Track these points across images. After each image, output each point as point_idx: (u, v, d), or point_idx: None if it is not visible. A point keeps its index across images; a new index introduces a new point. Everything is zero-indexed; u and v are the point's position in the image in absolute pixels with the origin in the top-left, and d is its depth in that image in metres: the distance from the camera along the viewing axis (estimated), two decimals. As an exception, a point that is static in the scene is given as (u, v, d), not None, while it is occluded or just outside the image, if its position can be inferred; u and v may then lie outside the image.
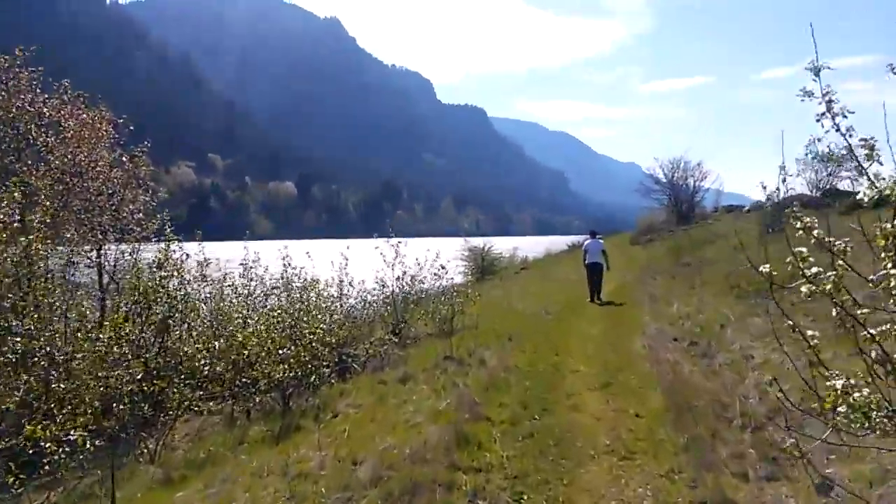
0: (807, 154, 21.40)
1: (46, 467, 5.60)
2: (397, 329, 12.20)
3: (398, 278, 12.59)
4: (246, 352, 8.56)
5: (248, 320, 9.96)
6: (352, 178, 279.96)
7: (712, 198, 41.77)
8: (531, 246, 54.10)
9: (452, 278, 15.21)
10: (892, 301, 2.34)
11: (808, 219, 2.69)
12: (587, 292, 15.53)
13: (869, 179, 2.38)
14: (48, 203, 9.66)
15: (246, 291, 11.61)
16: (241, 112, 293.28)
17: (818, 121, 2.45)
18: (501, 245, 42.95)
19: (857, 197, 2.42)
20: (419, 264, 12.83)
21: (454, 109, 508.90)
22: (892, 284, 2.29)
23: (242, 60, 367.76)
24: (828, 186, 20.82)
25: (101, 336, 7.32)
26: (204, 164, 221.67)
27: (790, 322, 2.74)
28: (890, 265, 2.31)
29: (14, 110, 10.94)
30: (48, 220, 9.34)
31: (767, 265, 2.86)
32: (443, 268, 12.87)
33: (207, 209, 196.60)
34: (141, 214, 12.63)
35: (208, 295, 11.16)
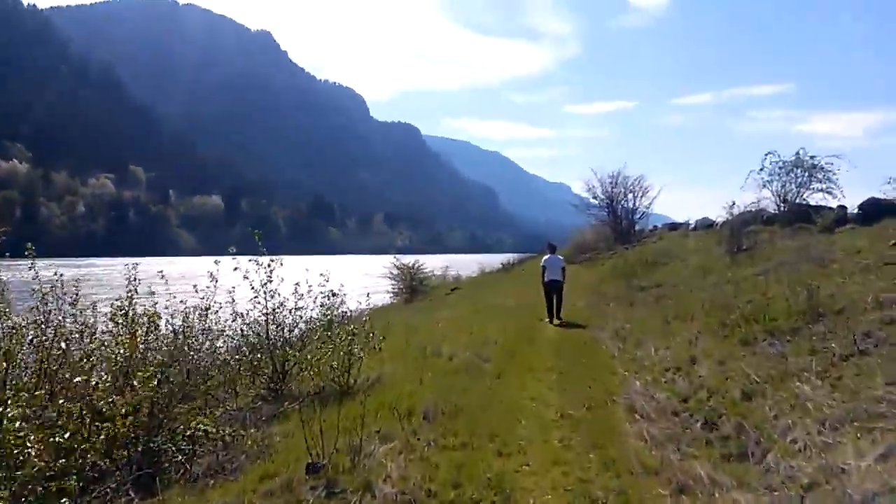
0: (764, 167, 19.30)
1: None
2: (273, 384, 9.07)
3: (268, 313, 9.22)
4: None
5: None
6: (282, 193, 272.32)
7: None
8: (463, 263, 51.92)
9: (355, 305, 12.25)
10: None
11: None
12: (531, 325, 13.35)
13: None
14: None
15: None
16: (167, 124, 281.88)
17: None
18: (434, 262, 40.58)
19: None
20: (297, 292, 9.48)
21: (387, 126, 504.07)
22: None
23: (170, 72, 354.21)
24: (796, 200, 18.80)
25: None
26: (126, 177, 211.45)
27: None
28: None
29: None
30: None
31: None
32: (333, 294, 9.62)
33: (127, 223, 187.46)
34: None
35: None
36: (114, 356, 7.20)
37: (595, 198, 38.52)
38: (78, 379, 5.14)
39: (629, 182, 37.64)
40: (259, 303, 9.21)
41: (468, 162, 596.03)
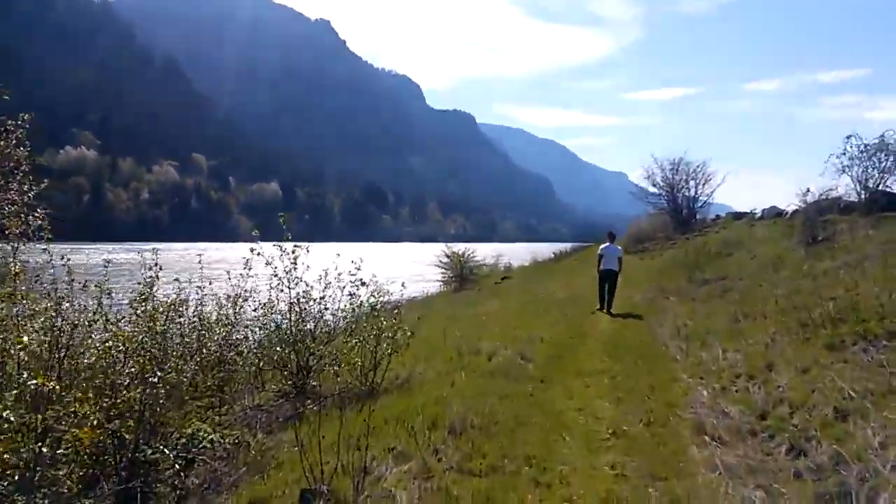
0: (845, 150, 17.55)
1: None
2: (299, 381, 8.25)
3: (291, 303, 8.34)
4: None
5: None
6: (338, 181, 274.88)
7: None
8: (516, 252, 50.99)
9: (401, 294, 11.42)
10: None
11: None
12: (582, 320, 12.34)
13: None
14: None
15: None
16: (228, 113, 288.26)
17: None
18: (485, 251, 39.76)
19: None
20: (324, 280, 8.53)
21: (443, 114, 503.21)
22: None
23: (230, 61, 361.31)
24: (879, 187, 17.07)
25: None
26: (188, 164, 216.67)
27: None
28: None
29: None
30: None
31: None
32: (363, 283, 8.64)
33: (189, 209, 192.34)
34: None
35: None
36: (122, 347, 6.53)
37: (655, 185, 36.75)
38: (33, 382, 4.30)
39: (691, 169, 35.71)
40: (283, 292, 8.40)
41: (524, 150, 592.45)
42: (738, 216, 34.48)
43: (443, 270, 33.76)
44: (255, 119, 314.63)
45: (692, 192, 36.26)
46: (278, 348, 8.31)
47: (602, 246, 15.53)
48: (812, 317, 8.72)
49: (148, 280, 7.88)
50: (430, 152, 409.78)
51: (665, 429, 5.55)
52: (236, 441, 5.93)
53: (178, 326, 7.68)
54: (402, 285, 12.48)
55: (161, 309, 7.26)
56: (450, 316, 16.97)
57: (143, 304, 7.30)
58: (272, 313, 8.59)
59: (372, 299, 8.64)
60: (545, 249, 47.79)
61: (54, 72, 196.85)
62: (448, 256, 33.29)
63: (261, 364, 8.35)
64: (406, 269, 62.41)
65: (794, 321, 8.89)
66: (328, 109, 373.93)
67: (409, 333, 7.89)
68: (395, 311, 8.37)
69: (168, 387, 5.64)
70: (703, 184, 35.66)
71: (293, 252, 8.18)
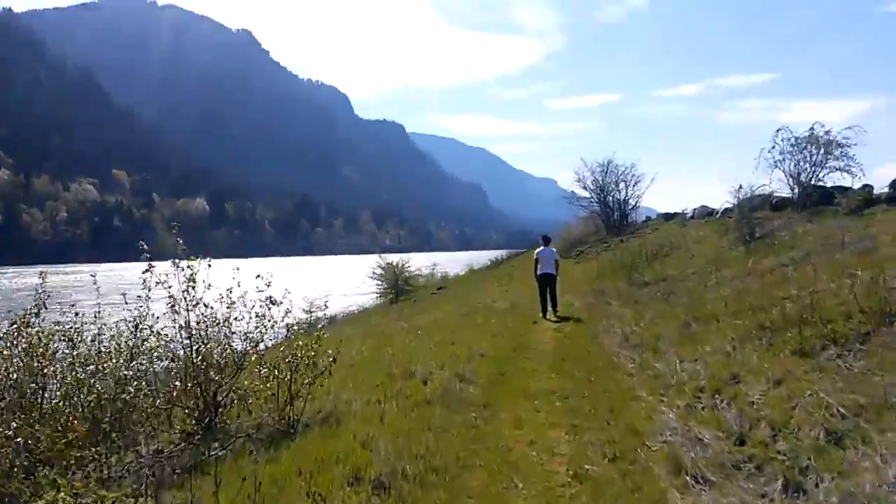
0: (776, 144, 17.37)
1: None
2: (206, 419, 7.04)
3: (188, 328, 7.12)
4: None
5: None
6: (267, 194, 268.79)
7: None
8: (452, 261, 50.52)
9: (336, 309, 10.37)
10: None
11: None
12: (524, 331, 11.56)
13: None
14: None
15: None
16: (149, 127, 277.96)
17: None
18: (422, 261, 39.14)
19: None
20: (226, 299, 7.36)
21: (372, 124, 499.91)
22: None
23: (150, 74, 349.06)
24: (811, 181, 16.89)
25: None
26: (109, 182, 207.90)
27: None
28: None
29: None
30: None
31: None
32: (272, 302, 7.50)
33: (111, 228, 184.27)
34: None
35: None
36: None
37: (585, 188, 36.68)
38: None
39: (620, 171, 35.83)
40: (179, 314, 7.21)
41: (455, 159, 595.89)
42: (669, 217, 34.66)
43: (378, 282, 32.74)
44: (179, 133, 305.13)
45: (622, 195, 36.42)
46: (177, 382, 7.09)
47: (537, 250, 15.24)
48: (770, 319, 8.09)
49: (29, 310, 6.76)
50: (361, 163, 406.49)
51: (635, 466, 4.65)
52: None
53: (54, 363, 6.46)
54: (325, 304, 11.38)
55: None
56: (383, 331, 15.92)
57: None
58: (167, 341, 7.36)
59: (287, 320, 7.50)
60: (481, 257, 47.40)
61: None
62: (382, 268, 32.28)
63: (156, 402, 7.08)
64: (342, 282, 61.03)
65: (752, 324, 8.24)
66: (254, 121, 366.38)
67: (330, 360, 6.79)
68: (315, 333, 7.24)
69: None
70: (633, 185, 35.87)
71: (188, 268, 7.03)
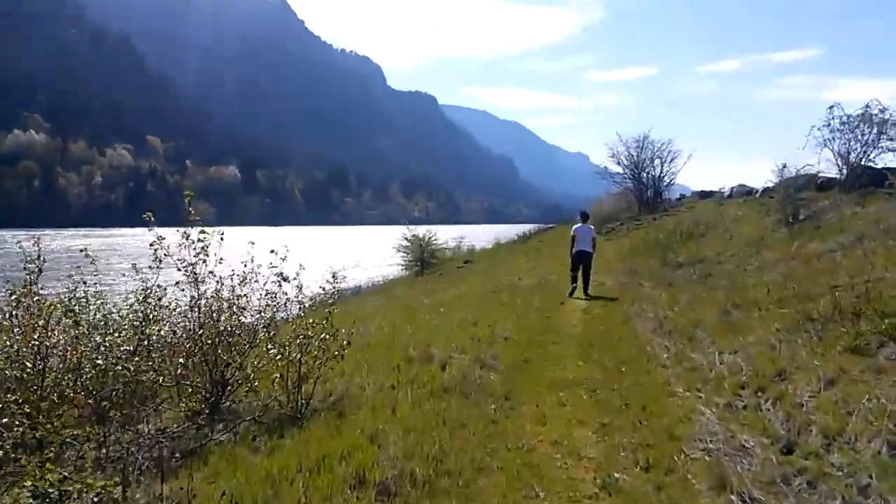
0: (828, 122, 16.44)
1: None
2: (213, 399, 6.72)
3: (197, 304, 6.82)
4: None
5: None
6: (298, 163, 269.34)
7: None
8: (479, 234, 50.02)
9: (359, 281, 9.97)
10: None
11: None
12: (551, 313, 11.08)
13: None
14: None
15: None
16: (184, 95, 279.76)
17: None
18: (449, 233, 38.67)
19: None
20: (240, 273, 6.97)
21: (404, 96, 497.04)
22: None
23: (186, 42, 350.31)
24: (861, 162, 15.99)
25: None
26: (143, 148, 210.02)
27: None
28: None
29: None
30: None
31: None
32: (284, 278, 7.08)
33: (145, 193, 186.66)
34: None
35: None
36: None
37: (619, 164, 35.71)
38: None
39: (656, 147, 34.76)
40: (188, 288, 6.86)
41: (486, 131, 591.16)
42: (705, 195, 33.67)
43: (404, 254, 32.38)
44: (213, 101, 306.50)
45: (657, 171, 35.41)
46: (181, 360, 6.74)
47: (574, 226, 14.82)
48: (819, 309, 7.47)
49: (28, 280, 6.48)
50: (392, 134, 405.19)
51: (671, 477, 4.15)
52: (98, 497, 4.39)
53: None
54: (343, 277, 10.98)
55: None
56: (406, 305, 15.52)
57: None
58: (176, 315, 7.03)
59: (302, 296, 7.10)
60: (509, 231, 46.76)
61: (1, 53, 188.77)
62: (409, 240, 31.87)
63: (161, 379, 6.73)
64: (370, 252, 60.83)
65: (798, 314, 7.63)
66: (287, 91, 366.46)
67: (344, 342, 6.36)
68: (328, 310, 6.79)
69: None
70: (669, 162, 34.83)
71: (198, 240, 6.64)
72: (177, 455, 6.00)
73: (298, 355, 6.11)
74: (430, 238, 32.03)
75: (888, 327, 6.17)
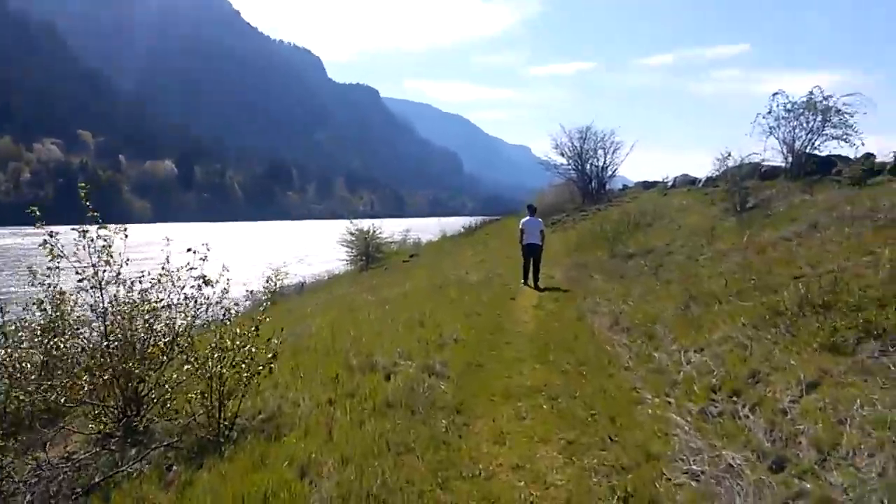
0: (772, 110, 16.35)
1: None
2: (126, 416, 5.80)
3: (99, 307, 5.89)
4: None
5: None
6: (238, 158, 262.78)
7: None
8: (425, 227, 49.43)
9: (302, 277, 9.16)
10: None
11: None
12: (501, 310, 10.52)
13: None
14: None
15: None
16: (116, 87, 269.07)
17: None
18: (395, 227, 37.94)
19: None
20: (155, 276, 6.13)
21: (346, 88, 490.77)
22: None
23: (117, 33, 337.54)
24: (806, 149, 15.93)
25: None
26: (74, 143, 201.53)
27: None
28: None
29: None
30: None
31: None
32: (206, 282, 6.25)
33: (76, 190, 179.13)
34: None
35: None
36: None
37: (563, 154, 35.46)
38: None
39: (598, 138, 34.65)
40: (90, 293, 5.98)
41: (429, 125, 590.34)
42: (648, 185, 33.76)
43: (348, 249, 31.46)
44: (147, 94, 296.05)
45: (601, 162, 35.31)
46: (87, 376, 5.84)
47: (523, 220, 14.97)
48: (784, 302, 7.06)
49: None
50: (334, 127, 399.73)
51: (657, 509, 3.57)
52: None
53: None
54: (279, 274, 10.22)
55: None
56: (349, 303, 14.74)
57: None
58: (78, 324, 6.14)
59: (227, 300, 6.28)
60: (455, 223, 46.22)
61: None
62: (353, 234, 30.97)
63: (63, 401, 5.81)
64: (314, 247, 59.42)
65: (763, 307, 7.20)
66: (225, 83, 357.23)
67: (270, 355, 5.54)
68: (258, 316, 5.97)
69: None
70: (612, 153, 34.74)
71: (99, 239, 5.77)
72: (77, 491, 5.15)
73: (218, 369, 5.30)
74: (374, 232, 31.20)
75: (862, 322, 5.76)
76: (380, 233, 31.58)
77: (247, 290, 11.35)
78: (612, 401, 5.48)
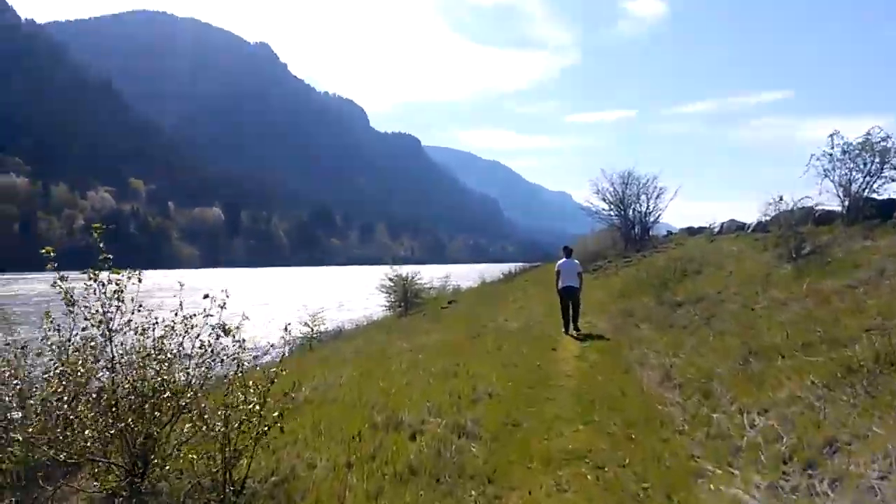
0: (826, 152, 15.53)
1: None
2: (132, 474, 5.33)
3: (106, 358, 5.46)
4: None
5: None
6: (283, 204, 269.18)
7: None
8: (465, 273, 49.10)
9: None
10: None
11: None
12: (540, 362, 9.83)
13: None
14: None
15: None
16: (167, 137, 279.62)
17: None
18: (434, 272, 37.69)
19: None
20: (149, 327, 5.68)
21: (388, 137, 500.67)
22: None
23: (169, 85, 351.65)
24: (863, 192, 15.04)
25: None
26: (125, 190, 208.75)
27: None
28: None
29: None
30: None
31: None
32: (225, 331, 5.72)
33: (128, 236, 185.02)
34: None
35: None
36: None
37: (604, 200, 34.75)
38: None
39: (641, 183, 33.87)
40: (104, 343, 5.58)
41: (469, 172, 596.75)
42: (694, 231, 32.73)
43: (387, 294, 31.19)
44: (196, 143, 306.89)
45: (644, 207, 34.45)
46: (93, 430, 5.40)
47: (559, 262, 14.34)
48: (858, 358, 6.30)
49: None
50: (376, 174, 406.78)
51: None
52: None
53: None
54: (316, 319, 9.78)
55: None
56: (383, 351, 14.22)
57: None
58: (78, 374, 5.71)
59: (240, 350, 5.79)
60: (494, 269, 45.69)
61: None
62: (392, 280, 30.72)
63: (62, 457, 5.37)
64: (354, 293, 59.42)
65: (833, 363, 6.44)
66: (271, 133, 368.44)
67: (276, 414, 4.99)
68: (274, 370, 5.47)
69: None
70: (655, 198, 33.86)
71: (110, 283, 5.39)
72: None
73: (223, 429, 4.81)
74: (413, 278, 30.90)
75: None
76: (419, 278, 31.29)
77: (284, 335, 11.06)
78: (667, 472, 4.80)
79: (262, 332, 13.10)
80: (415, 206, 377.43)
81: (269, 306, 53.78)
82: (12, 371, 6.27)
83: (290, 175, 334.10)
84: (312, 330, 24.08)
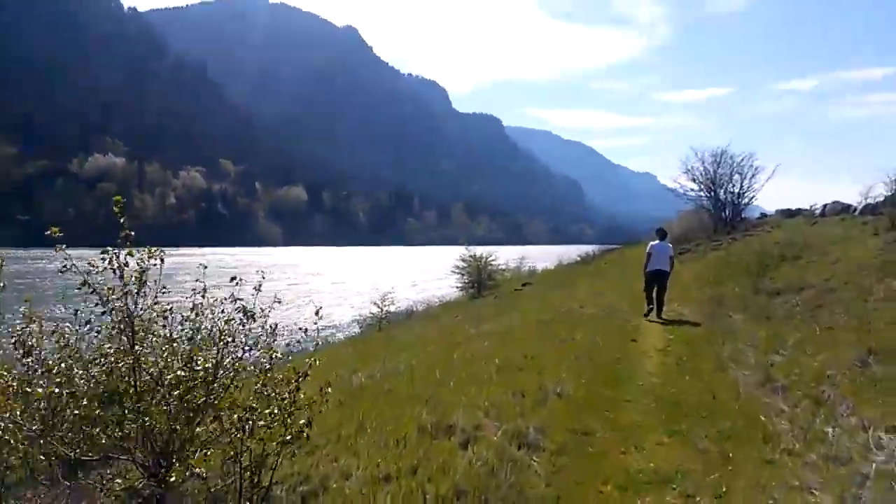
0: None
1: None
2: (156, 473, 4.80)
3: (130, 348, 4.87)
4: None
5: None
6: (363, 185, 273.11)
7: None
8: (542, 255, 48.07)
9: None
10: None
11: None
12: (618, 355, 8.84)
13: None
14: None
15: None
16: (256, 119, 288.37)
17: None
18: (510, 254, 36.97)
19: None
20: (169, 315, 5.03)
21: (469, 118, 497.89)
22: None
23: (258, 68, 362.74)
24: None
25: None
26: (216, 170, 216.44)
27: None
28: None
29: None
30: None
31: None
32: (249, 315, 4.98)
33: (216, 215, 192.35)
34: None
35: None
36: None
37: (694, 180, 32.71)
38: None
39: (735, 162, 31.63)
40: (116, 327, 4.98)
41: (551, 152, 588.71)
42: (791, 214, 30.47)
43: (460, 275, 30.56)
44: (283, 125, 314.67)
45: (737, 188, 32.22)
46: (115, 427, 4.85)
47: (651, 244, 13.75)
48: None
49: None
50: (456, 155, 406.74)
51: None
52: None
53: None
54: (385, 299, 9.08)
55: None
56: (450, 336, 13.50)
57: None
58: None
59: (270, 340, 5.09)
60: (572, 251, 44.36)
61: (83, 79, 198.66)
62: (465, 261, 30.03)
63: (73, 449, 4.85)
64: (429, 273, 59.20)
65: None
66: (355, 114, 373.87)
67: (303, 423, 4.23)
68: (308, 360, 4.77)
69: None
70: (750, 178, 31.55)
71: (124, 263, 4.77)
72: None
73: (240, 435, 4.13)
74: (487, 259, 30.09)
75: None
76: (493, 259, 30.47)
77: (356, 315, 10.42)
78: (776, 507, 3.82)
79: (337, 309, 12.54)
80: (494, 187, 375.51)
81: (345, 284, 54.33)
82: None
83: (372, 156, 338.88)
84: (382, 310, 23.75)
